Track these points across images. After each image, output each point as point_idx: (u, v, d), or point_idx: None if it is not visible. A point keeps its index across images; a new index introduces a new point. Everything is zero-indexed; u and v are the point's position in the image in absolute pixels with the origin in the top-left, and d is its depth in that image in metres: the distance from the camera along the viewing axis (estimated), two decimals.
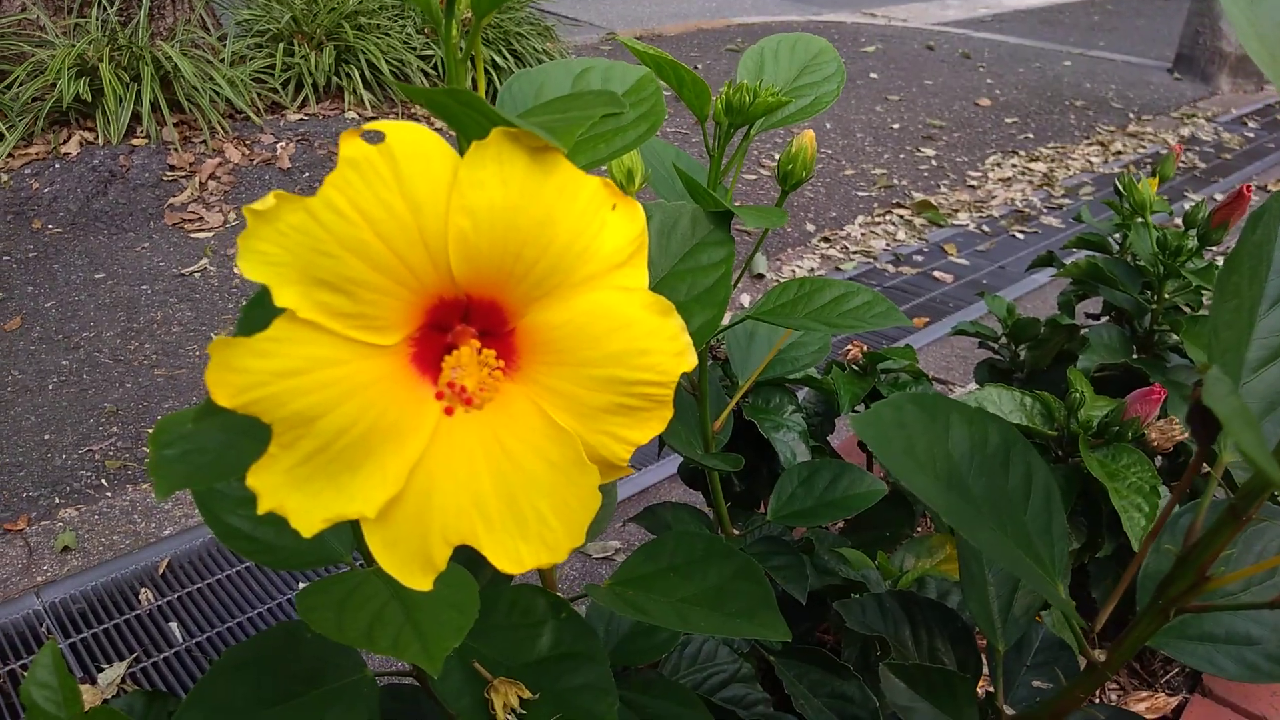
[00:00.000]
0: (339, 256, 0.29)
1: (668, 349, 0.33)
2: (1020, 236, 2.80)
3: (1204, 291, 0.88)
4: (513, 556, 0.32)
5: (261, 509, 0.30)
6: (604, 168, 0.62)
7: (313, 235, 0.29)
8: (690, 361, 0.34)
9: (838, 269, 2.58)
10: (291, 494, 0.30)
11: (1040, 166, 3.40)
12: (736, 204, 0.56)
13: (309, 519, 0.30)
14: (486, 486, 0.32)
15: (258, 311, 0.36)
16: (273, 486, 0.30)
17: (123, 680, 1.28)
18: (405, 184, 0.29)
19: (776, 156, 3.34)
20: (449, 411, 0.31)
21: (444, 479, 0.32)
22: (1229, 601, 0.44)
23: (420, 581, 0.32)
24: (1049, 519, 0.38)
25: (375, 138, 0.30)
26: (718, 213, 0.54)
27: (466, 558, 0.47)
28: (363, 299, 0.30)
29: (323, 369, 0.30)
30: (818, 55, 0.66)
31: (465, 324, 0.33)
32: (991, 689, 0.51)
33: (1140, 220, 0.91)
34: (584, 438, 0.33)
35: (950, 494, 0.34)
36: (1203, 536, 0.39)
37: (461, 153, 0.31)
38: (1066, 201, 3.10)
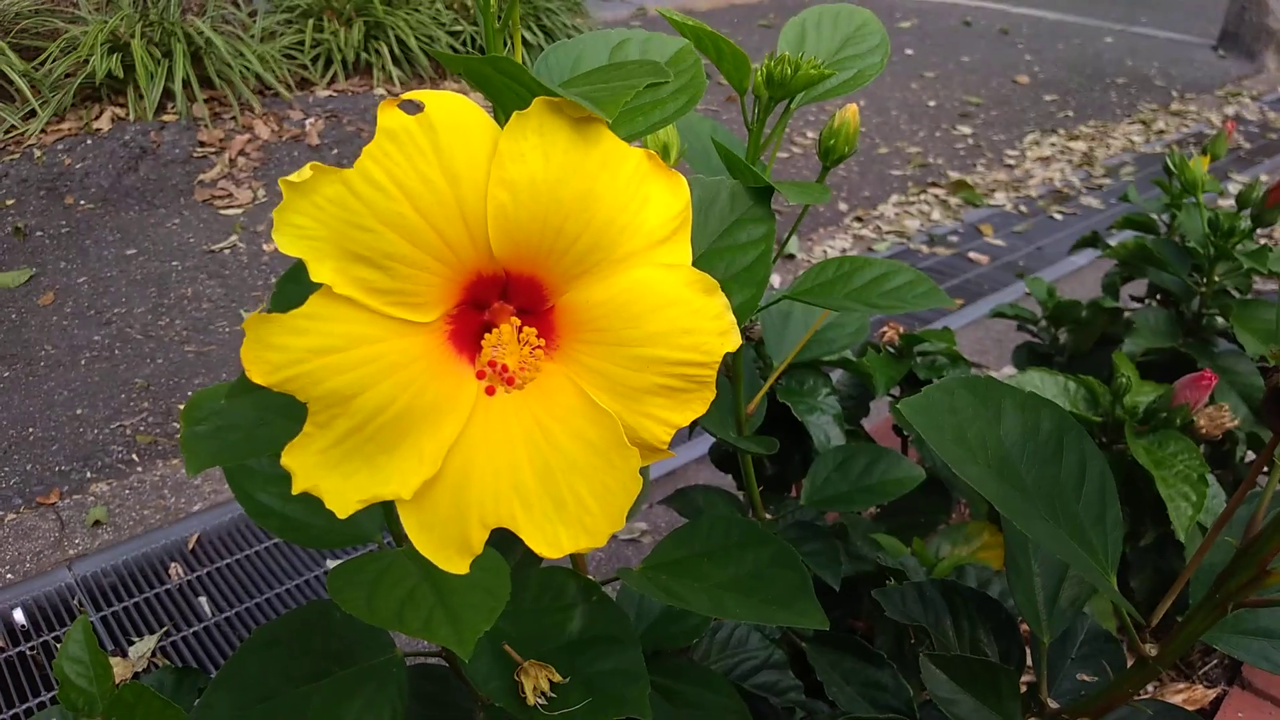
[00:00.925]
0: (376, 230, 0.28)
1: (711, 328, 0.32)
2: (1059, 217, 2.75)
3: (1255, 274, 0.86)
4: (551, 541, 0.31)
5: (296, 489, 0.29)
6: (641, 141, 0.61)
7: (349, 208, 0.28)
8: (735, 341, 0.33)
9: (871, 249, 2.55)
10: (327, 474, 0.29)
11: (1080, 145, 3.34)
12: (776, 180, 0.55)
13: (344, 500, 0.29)
14: (525, 468, 0.31)
15: (292, 286, 0.35)
16: (308, 467, 0.29)
17: (153, 654, 1.30)
18: (444, 156, 0.28)
19: (809, 134, 3.30)
20: (490, 391, 0.30)
21: (481, 461, 0.31)
22: None
23: (457, 565, 0.31)
24: (1103, 509, 0.37)
25: (414, 108, 0.29)
26: (757, 189, 0.52)
27: (497, 540, 0.46)
28: (400, 274, 0.29)
29: (359, 346, 0.29)
30: (861, 27, 0.64)
31: (503, 301, 0.32)
32: (1034, 681, 0.49)
33: (1191, 200, 0.88)
34: (624, 419, 0.32)
35: (1002, 483, 0.33)
36: (1263, 530, 0.37)
37: (500, 126, 0.30)
38: (1107, 181, 3.03)
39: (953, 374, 0.87)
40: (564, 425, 0.32)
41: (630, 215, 0.31)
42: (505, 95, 0.32)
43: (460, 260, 0.30)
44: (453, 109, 0.29)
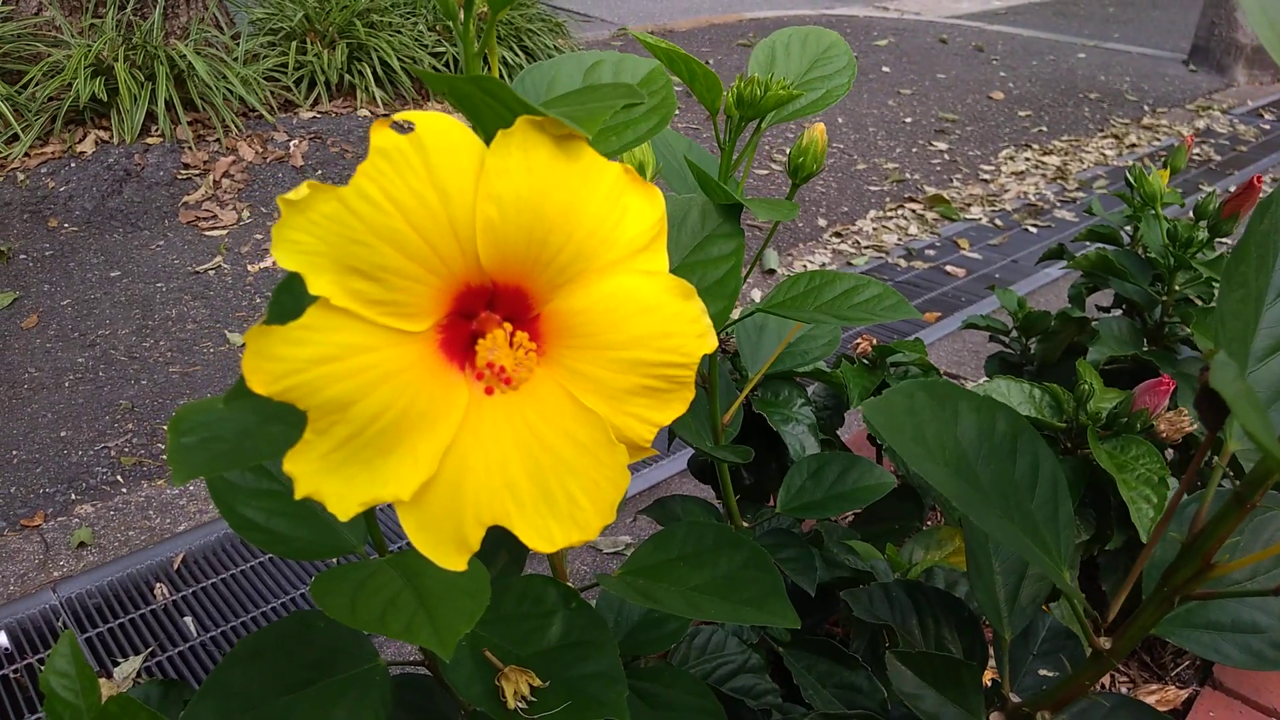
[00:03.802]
0: (372, 244, 0.30)
1: (690, 331, 0.34)
2: (1033, 230, 2.80)
3: (1215, 283, 0.89)
4: (545, 536, 0.33)
5: (298, 494, 0.30)
6: (618, 159, 0.63)
7: (346, 224, 0.30)
8: (711, 343, 0.35)
9: (849, 264, 2.58)
10: (327, 479, 0.31)
11: (1054, 160, 3.39)
12: (747, 197, 0.57)
13: (345, 503, 0.31)
14: (517, 468, 0.33)
15: (287, 297, 0.37)
16: (309, 472, 0.31)
17: (138, 674, 1.30)
18: (435, 173, 0.30)
19: (788, 151, 3.34)
20: (489, 391, 0.32)
21: (476, 462, 0.33)
22: (1235, 589, 0.45)
23: (455, 561, 0.33)
24: (1055, 507, 0.39)
25: (405, 128, 0.31)
26: (728, 205, 0.55)
27: (478, 550, 0.48)
28: (394, 286, 0.31)
29: (356, 355, 0.31)
30: (829, 49, 0.67)
31: (490, 311, 0.34)
32: (998, 677, 0.51)
33: (1151, 212, 0.91)
34: (610, 419, 0.34)
35: (959, 481, 0.35)
36: (1208, 524, 0.39)
37: (485, 143, 0.32)
38: (1080, 195, 3.09)
39: None
40: (553, 426, 0.34)
41: (610, 226, 0.33)
42: (486, 114, 0.34)
43: (451, 272, 0.32)
44: (442, 129, 0.31)
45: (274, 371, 0.29)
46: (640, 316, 0.33)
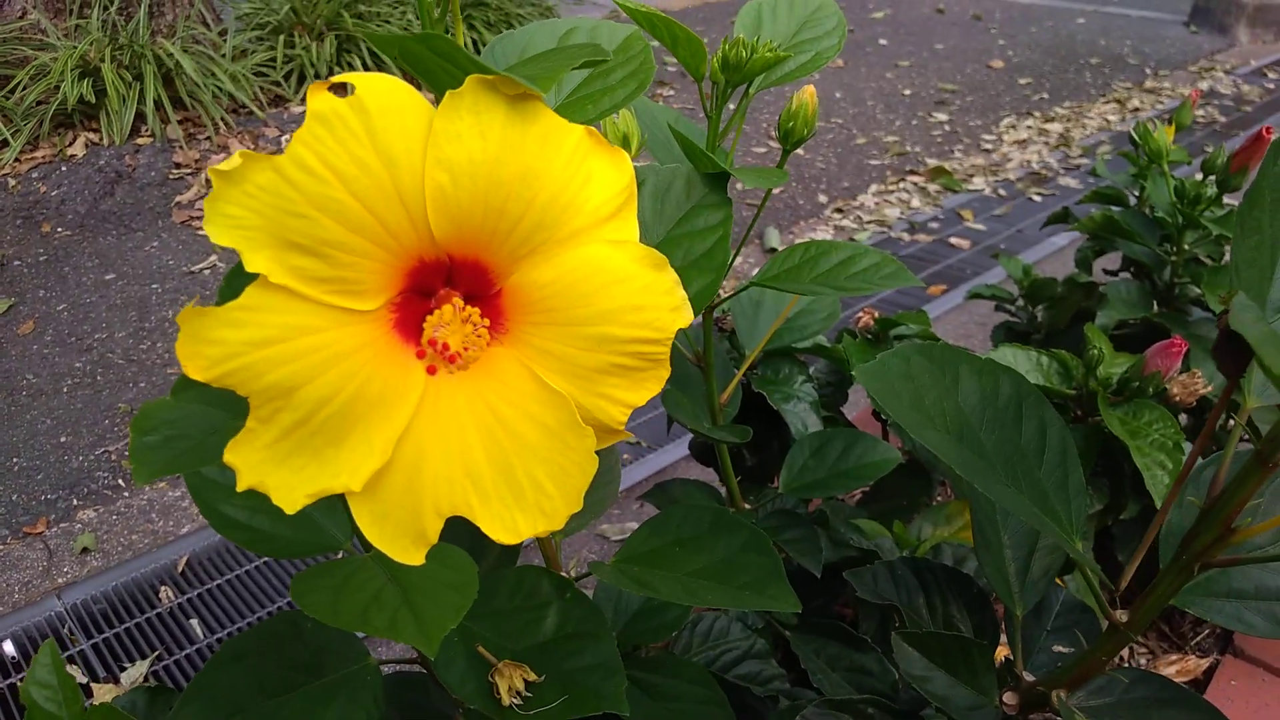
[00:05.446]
0: (311, 217, 0.28)
1: (663, 304, 0.32)
2: (1038, 199, 2.76)
3: (1225, 241, 0.86)
4: (509, 527, 0.31)
5: (241, 486, 0.28)
6: (601, 128, 0.61)
7: (283, 195, 0.27)
8: (687, 317, 0.33)
9: (852, 239, 2.55)
10: (273, 470, 0.29)
11: (1056, 127, 3.35)
12: (735, 166, 0.55)
13: (292, 495, 0.29)
14: (479, 455, 0.31)
15: (240, 280, 0.34)
16: (252, 463, 0.28)
17: (145, 678, 1.29)
18: (378, 138, 0.28)
19: None
20: (432, 371, 0.30)
21: (434, 449, 0.31)
22: (1259, 554, 0.42)
23: (412, 556, 0.30)
24: (1065, 473, 0.37)
25: (345, 90, 0.28)
26: (713, 175, 0.52)
27: (469, 542, 0.46)
28: (339, 262, 0.29)
29: (300, 337, 0.28)
30: (817, 10, 0.64)
31: (450, 287, 0.32)
32: (1011, 655, 0.49)
33: (1157, 170, 0.88)
34: (578, 400, 0.32)
35: (961, 448, 0.33)
36: (1227, 486, 0.37)
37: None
38: (1084, 161, 3.05)
39: None
40: (517, 409, 0.31)
41: (573, 192, 0.31)
42: (440, 77, 0.32)
43: (401, 245, 0.30)
44: (385, 90, 0.28)
45: (211, 356, 0.27)
46: (609, 289, 0.31)
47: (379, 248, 0.29)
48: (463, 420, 0.31)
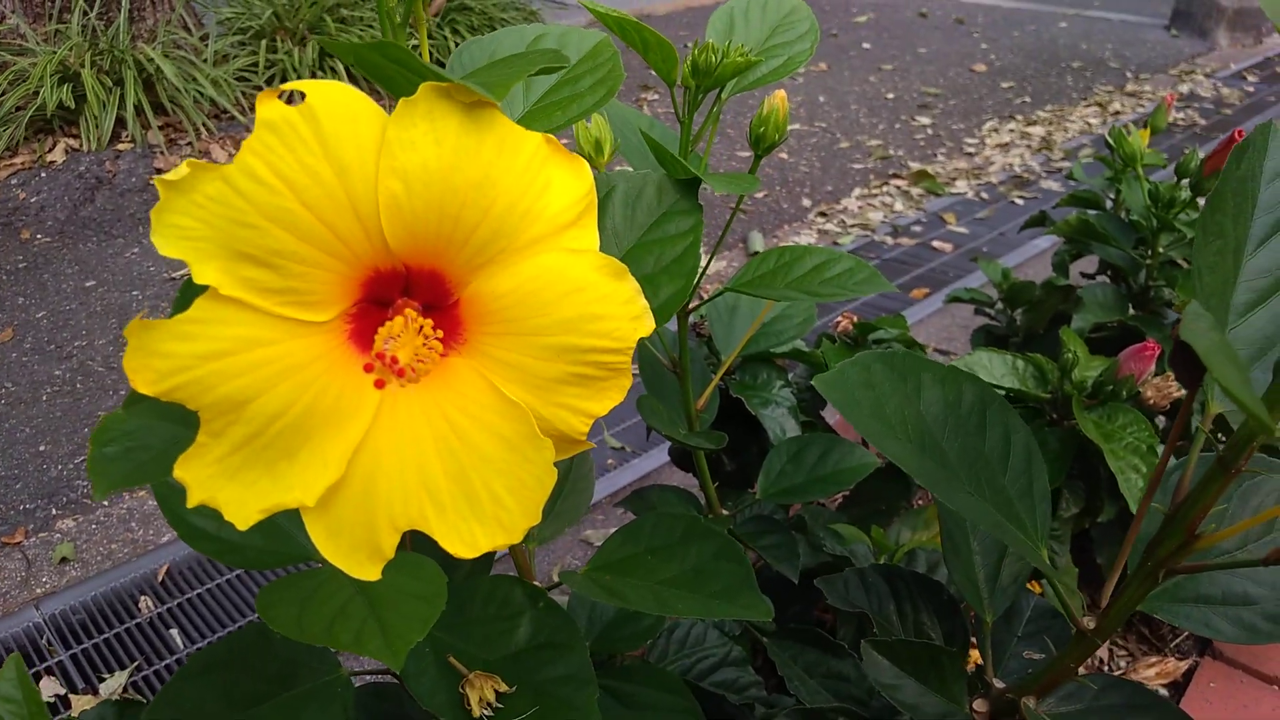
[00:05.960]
0: (261, 227, 0.27)
1: (623, 313, 0.32)
2: (1020, 202, 2.77)
3: None
4: (466, 540, 0.31)
5: (191, 502, 0.28)
6: (573, 133, 0.60)
7: (232, 205, 0.27)
8: (648, 326, 0.32)
9: (835, 243, 2.55)
10: (224, 485, 0.28)
11: (1038, 130, 3.37)
12: (708, 172, 0.54)
13: (244, 510, 0.28)
14: (435, 468, 0.31)
15: (193, 292, 0.34)
16: (203, 478, 0.28)
17: (124, 689, 1.27)
18: (329, 146, 0.28)
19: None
20: (380, 385, 0.30)
21: (389, 461, 0.30)
22: (1224, 560, 0.42)
23: (368, 571, 0.30)
24: (1030, 480, 0.37)
25: (296, 98, 0.28)
26: (684, 180, 0.52)
27: (443, 552, 0.46)
28: (290, 272, 0.28)
29: (251, 350, 0.28)
30: (790, 14, 0.64)
31: (407, 297, 0.32)
32: (982, 662, 0.49)
33: (1132, 173, 0.88)
34: (538, 411, 0.31)
35: (923, 457, 0.33)
36: (1191, 492, 0.37)
37: None
38: (1066, 164, 3.06)
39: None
40: (475, 421, 0.31)
41: (531, 200, 0.31)
42: (398, 84, 0.32)
43: (355, 255, 0.29)
44: (337, 97, 0.28)
45: (160, 369, 0.27)
46: (567, 298, 0.31)
47: (332, 258, 0.29)
48: (419, 432, 0.30)
